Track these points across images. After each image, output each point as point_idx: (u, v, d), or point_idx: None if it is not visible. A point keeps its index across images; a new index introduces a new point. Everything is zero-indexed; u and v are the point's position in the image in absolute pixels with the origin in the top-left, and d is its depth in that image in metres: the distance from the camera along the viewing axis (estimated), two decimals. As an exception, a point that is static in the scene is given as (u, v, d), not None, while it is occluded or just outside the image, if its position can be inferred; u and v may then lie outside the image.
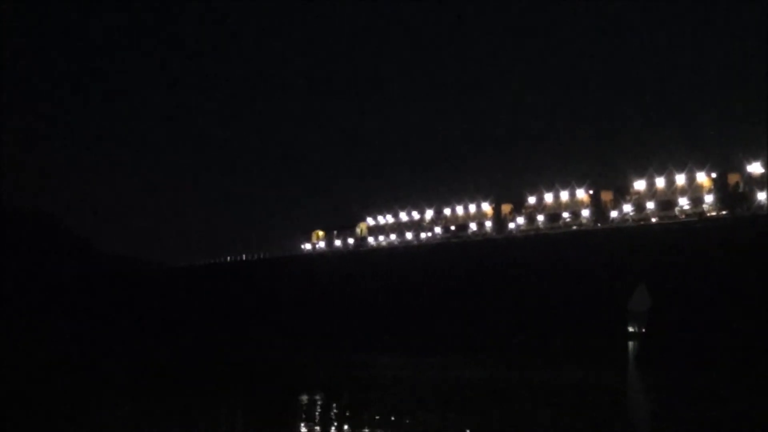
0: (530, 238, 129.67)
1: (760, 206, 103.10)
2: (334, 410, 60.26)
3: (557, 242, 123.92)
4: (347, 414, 57.82)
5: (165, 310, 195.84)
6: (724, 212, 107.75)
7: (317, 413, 58.26)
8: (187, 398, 66.72)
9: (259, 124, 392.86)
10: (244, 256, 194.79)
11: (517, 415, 55.64)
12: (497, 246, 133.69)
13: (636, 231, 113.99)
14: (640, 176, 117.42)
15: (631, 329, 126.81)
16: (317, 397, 67.56)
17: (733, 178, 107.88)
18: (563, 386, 73.06)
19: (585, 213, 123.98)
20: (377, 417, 54.91)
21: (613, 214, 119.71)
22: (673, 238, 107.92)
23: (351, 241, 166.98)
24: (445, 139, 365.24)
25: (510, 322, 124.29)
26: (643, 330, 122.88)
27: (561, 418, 53.90)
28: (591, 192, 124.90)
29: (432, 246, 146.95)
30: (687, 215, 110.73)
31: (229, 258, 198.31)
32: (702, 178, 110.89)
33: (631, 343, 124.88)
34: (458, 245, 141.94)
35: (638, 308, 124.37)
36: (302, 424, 53.24)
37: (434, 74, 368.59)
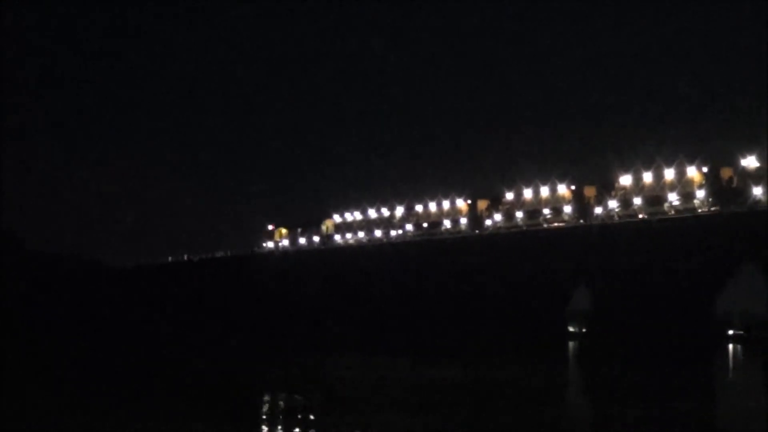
0: (485, 237, 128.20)
1: (756, 201, 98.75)
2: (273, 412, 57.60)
3: (512, 241, 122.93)
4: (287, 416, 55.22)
5: (107, 312, 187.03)
6: (714, 208, 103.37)
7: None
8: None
9: (218, 115, 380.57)
10: (187, 256, 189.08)
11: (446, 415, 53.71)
12: (463, 244, 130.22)
13: (580, 231, 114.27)
14: (626, 171, 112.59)
15: (572, 329, 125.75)
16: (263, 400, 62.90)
17: (726, 173, 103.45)
18: (493, 385, 71.28)
19: (567, 209, 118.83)
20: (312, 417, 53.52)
21: (598, 210, 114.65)
22: (618, 238, 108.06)
23: (316, 239, 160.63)
24: (417, 133, 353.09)
25: (465, 322, 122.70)
26: (584, 330, 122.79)
27: (483, 416, 53.01)
28: (573, 187, 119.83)
29: (403, 244, 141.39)
30: (677, 211, 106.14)
31: (187, 257, 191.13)
32: (692, 172, 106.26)
33: (571, 343, 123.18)
34: (430, 243, 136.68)
35: (580, 308, 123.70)
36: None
37: (406, 67, 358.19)
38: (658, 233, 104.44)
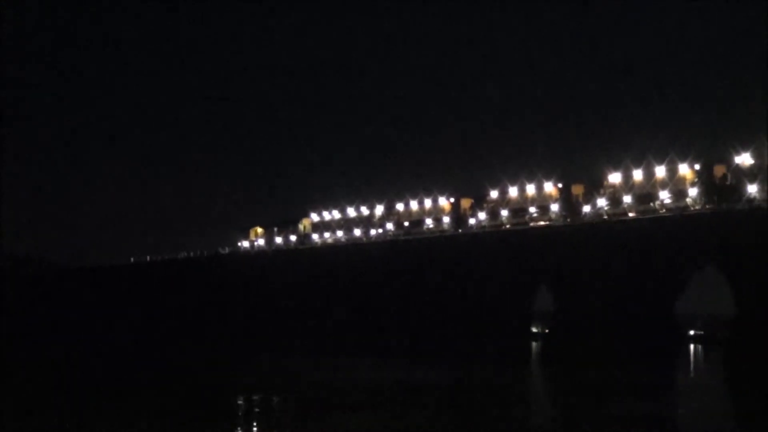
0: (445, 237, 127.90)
1: (751, 199, 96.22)
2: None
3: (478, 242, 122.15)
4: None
5: (76, 312, 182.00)
6: (708, 206, 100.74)
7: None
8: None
9: (194, 115, 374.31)
10: (153, 256, 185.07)
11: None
12: (437, 244, 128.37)
13: (546, 231, 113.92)
14: (616, 168, 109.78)
15: (534, 330, 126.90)
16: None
17: (719, 170, 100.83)
18: (455, 386, 72.80)
19: (554, 207, 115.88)
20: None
21: (586, 208, 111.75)
22: (580, 238, 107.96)
23: (293, 238, 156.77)
24: (397, 131, 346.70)
25: (438, 322, 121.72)
26: (546, 330, 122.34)
27: (440, 416, 53.27)
28: (560, 185, 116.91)
29: (383, 243, 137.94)
30: (668, 209, 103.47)
31: (161, 257, 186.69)
32: (684, 169, 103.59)
33: (534, 344, 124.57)
34: (409, 242, 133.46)
35: (542, 308, 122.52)
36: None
37: (388, 64, 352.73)
38: (620, 234, 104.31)
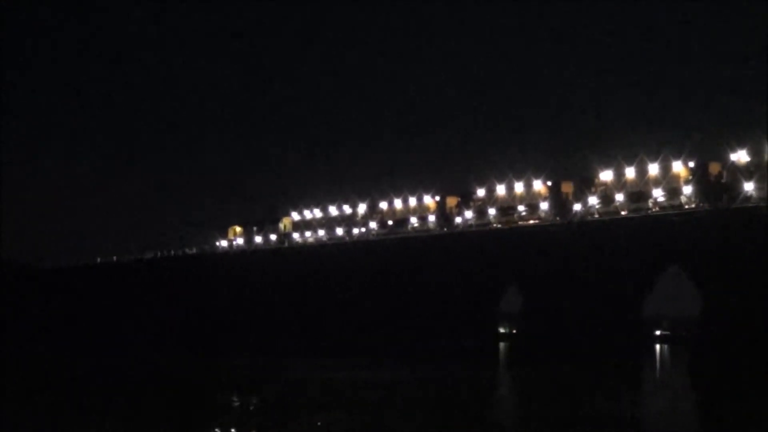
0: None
1: (747, 197, 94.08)
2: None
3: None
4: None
5: (38, 316, 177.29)
6: (702, 204, 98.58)
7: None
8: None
9: (170, 107, 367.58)
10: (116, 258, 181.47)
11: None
12: (430, 242, 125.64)
13: (511, 232, 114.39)
14: (607, 166, 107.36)
15: (502, 330, 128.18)
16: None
17: (714, 168, 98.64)
18: (423, 386, 72.74)
19: (543, 206, 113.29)
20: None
21: (577, 207, 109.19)
22: (546, 239, 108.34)
23: (273, 237, 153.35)
24: (381, 127, 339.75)
25: (406, 323, 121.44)
26: (514, 331, 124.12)
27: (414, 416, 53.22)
28: (550, 183, 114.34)
29: (366, 243, 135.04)
30: (662, 207, 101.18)
31: (116, 258, 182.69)
32: (678, 167, 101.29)
33: (502, 344, 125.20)
34: (395, 242, 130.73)
35: (510, 309, 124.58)
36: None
37: (371, 59, 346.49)
38: (588, 235, 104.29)
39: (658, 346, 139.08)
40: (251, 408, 57.91)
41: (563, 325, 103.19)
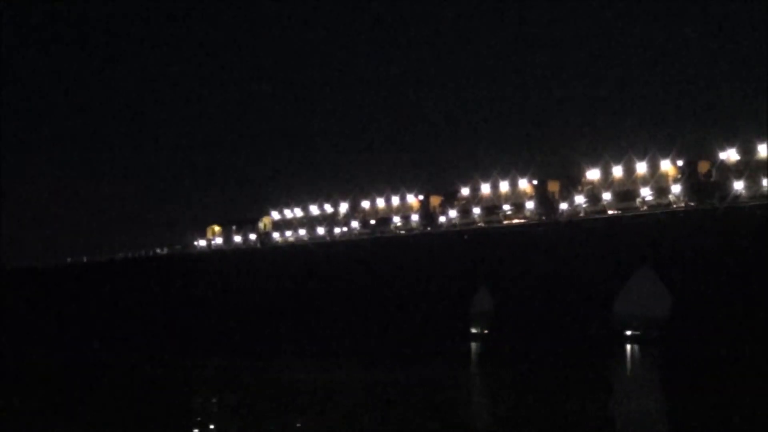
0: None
1: (736, 196, 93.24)
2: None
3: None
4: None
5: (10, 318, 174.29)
6: (692, 203, 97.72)
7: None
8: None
9: (146, 103, 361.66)
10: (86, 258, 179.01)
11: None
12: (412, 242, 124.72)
13: (484, 232, 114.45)
14: (594, 164, 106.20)
15: (474, 330, 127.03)
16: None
17: (704, 166, 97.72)
18: (392, 387, 72.04)
19: (529, 205, 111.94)
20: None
21: (563, 206, 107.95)
22: (514, 239, 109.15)
23: (253, 236, 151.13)
24: (363, 125, 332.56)
25: (381, 323, 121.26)
26: (485, 331, 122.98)
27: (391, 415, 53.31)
28: (535, 182, 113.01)
29: (347, 242, 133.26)
30: (650, 206, 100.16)
31: (97, 259, 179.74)
32: (667, 166, 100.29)
33: (474, 344, 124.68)
34: (377, 241, 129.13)
35: (481, 309, 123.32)
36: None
37: (351, 55, 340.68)
38: (559, 235, 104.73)
39: (628, 346, 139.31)
40: (225, 409, 56.98)
41: (534, 325, 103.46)
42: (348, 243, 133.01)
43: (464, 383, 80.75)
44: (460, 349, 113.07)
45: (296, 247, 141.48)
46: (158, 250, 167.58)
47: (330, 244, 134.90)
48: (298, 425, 49.01)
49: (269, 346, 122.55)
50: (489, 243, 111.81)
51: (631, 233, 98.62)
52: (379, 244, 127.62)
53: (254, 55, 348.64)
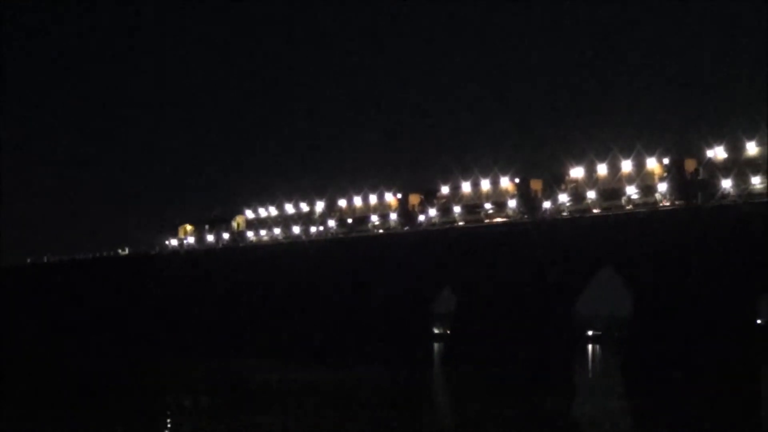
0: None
1: (724, 195, 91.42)
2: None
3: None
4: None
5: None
6: (678, 202, 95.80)
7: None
8: None
9: (117, 101, 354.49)
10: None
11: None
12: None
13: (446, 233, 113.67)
14: (578, 162, 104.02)
15: (437, 331, 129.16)
16: None
17: (690, 164, 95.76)
18: (356, 387, 72.63)
19: (511, 204, 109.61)
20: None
21: (546, 204, 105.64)
22: (477, 240, 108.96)
23: (226, 236, 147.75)
24: (340, 122, 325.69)
25: (350, 324, 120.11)
26: (448, 331, 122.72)
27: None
28: (518, 180, 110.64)
29: (324, 242, 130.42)
30: (636, 205, 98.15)
31: (59, 258, 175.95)
32: (653, 164, 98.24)
33: (437, 345, 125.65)
34: (353, 240, 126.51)
35: (444, 310, 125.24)
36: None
37: (329, 53, 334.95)
38: (521, 236, 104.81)
39: (590, 346, 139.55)
40: (188, 408, 56.80)
41: (496, 325, 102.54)
42: (323, 242, 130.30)
43: (422, 384, 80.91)
44: (423, 350, 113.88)
45: (270, 246, 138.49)
46: (119, 251, 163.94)
47: (310, 243, 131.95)
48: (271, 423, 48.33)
49: (232, 346, 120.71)
50: (453, 243, 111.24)
51: (592, 234, 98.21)
52: (354, 243, 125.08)
53: (228, 53, 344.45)
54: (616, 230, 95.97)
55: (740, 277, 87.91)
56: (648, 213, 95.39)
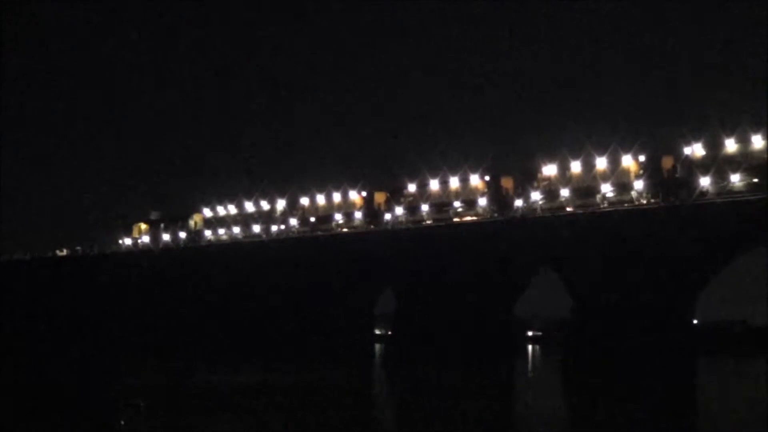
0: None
1: (703, 192, 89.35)
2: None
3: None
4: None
5: None
6: (654, 200, 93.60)
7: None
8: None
9: (71, 96, 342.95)
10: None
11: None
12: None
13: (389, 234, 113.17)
14: (551, 159, 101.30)
15: (378, 332, 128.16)
16: None
17: (667, 162, 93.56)
18: (293, 389, 70.45)
19: (482, 202, 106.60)
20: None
21: (518, 202, 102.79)
22: (414, 241, 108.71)
23: (183, 235, 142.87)
24: (302, 117, 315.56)
25: (293, 325, 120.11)
26: (389, 333, 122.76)
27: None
28: (488, 178, 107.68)
29: (285, 241, 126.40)
30: (611, 203, 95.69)
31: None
32: (628, 161, 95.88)
33: (378, 345, 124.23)
34: (311, 240, 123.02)
35: (386, 310, 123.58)
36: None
37: (291, 46, 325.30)
38: (459, 236, 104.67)
39: (530, 347, 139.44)
40: (139, 412, 53.52)
41: (436, 326, 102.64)
42: (284, 241, 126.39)
43: (368, 384, 79.10)
44: (364, 351, 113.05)
45: (228, 245, 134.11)
46: (57, 252, 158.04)
47: (270, 243, 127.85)
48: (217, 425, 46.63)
49: (198, 349, 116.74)
50: (387, 243, 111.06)
51: (531, 235, 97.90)
52: (315, 243, 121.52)
53: (186, 48, 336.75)
54: (560, 229, 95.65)
55: (680, 277, 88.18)
56: (577, 215, 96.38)
